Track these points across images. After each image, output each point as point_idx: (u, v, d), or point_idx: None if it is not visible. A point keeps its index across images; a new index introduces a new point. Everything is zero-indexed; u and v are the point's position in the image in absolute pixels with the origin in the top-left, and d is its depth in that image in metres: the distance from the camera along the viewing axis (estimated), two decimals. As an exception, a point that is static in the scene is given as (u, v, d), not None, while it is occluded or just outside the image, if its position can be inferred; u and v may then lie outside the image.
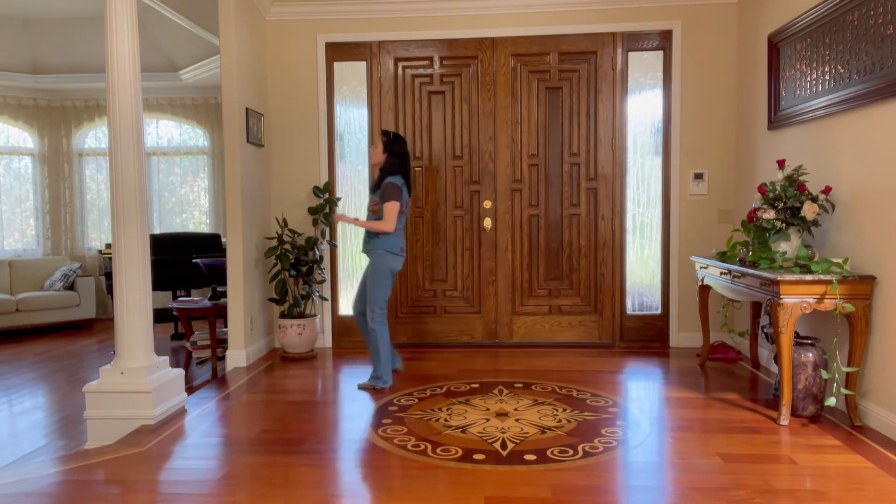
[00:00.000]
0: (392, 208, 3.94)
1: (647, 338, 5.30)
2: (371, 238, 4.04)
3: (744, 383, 4.14)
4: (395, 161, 4.04)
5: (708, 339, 4.65)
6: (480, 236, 5.35)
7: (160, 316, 5.98)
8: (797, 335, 3.59)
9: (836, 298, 3.26)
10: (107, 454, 3.04)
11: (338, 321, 5.48)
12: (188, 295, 6.60)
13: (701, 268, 4.46)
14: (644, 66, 5.20)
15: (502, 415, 3.54)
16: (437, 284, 5.42)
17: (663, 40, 5.15)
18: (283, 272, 5.02)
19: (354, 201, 5.45)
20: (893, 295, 3.16)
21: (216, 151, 7.81)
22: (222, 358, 5.07)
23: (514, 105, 5.28)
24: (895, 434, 3.12)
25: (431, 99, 5.35)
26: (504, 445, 3.07)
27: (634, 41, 5.18)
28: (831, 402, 3.25)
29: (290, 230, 5.13)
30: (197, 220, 7.98)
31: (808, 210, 3.51)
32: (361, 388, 4.11)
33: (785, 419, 3.34)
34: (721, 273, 4.08)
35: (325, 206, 5.14)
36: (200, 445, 3.16)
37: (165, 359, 3.72)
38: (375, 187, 4.10)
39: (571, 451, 2.99)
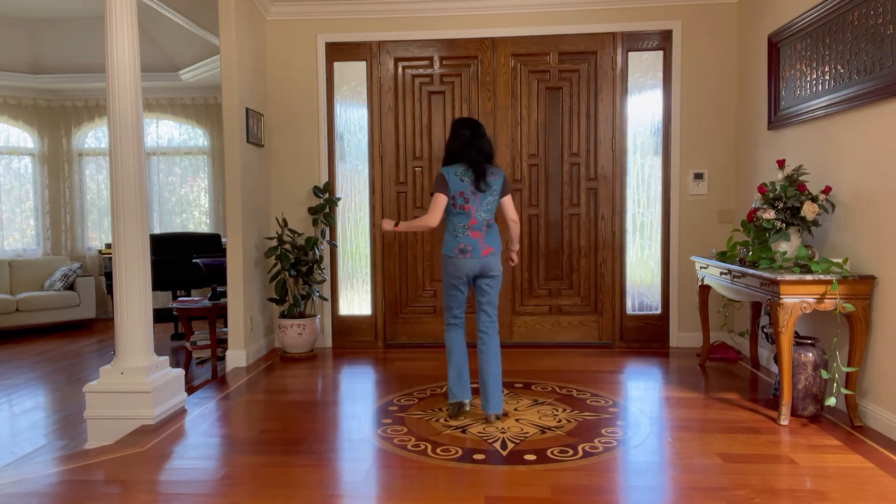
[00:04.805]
0: (433, 200, 3.40)
1: (647, 338, 5.30)
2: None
3: (744, 383, 4.14)
4: (446, 151, 3.50)
5: (708, 339, 4.65)
6: (480, 236, 5.34)
7: (160, 316, 5.98)
8: (797, 335, 3.59)
9: (836, 298, 3.26)
10: (107, 454, 3.04)
11: (338, 321, 5.48)
12: (188, 295, 6.60)
13: (701, 268, 4.46)
14: (644, 66, 5.20)
15: (502, 414, 3.53)
16: (437, 284, 5.42)
17: (663, 40, 5.15)
18: (283, 272, 5.02)
19: (355, 201, 5.44)
20: (893, 295, 3.16)
21: (216, 151, 7.81)
22: (222, 358, 5.07)
23: (514, 105, 5.28)
24: (895, 434, 3.12)
25: (431, 99, 5.35)
26: (504, 445, 3.07)
27: (634, 41, 5.18)
28: (831, 402, 3.25)
29: (290, 230, 5.13)
30: (197, 220, 7.97)
31: (808, 210, 3.51)
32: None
33: (785, 419, 3.34)
34: (721, 273, 4.08)
35: (325, 206, 5.14)
36: (200, 445, 3.16)
37: (165, 359, 3.72)
38: None
39: (571, 451, 2.99)
